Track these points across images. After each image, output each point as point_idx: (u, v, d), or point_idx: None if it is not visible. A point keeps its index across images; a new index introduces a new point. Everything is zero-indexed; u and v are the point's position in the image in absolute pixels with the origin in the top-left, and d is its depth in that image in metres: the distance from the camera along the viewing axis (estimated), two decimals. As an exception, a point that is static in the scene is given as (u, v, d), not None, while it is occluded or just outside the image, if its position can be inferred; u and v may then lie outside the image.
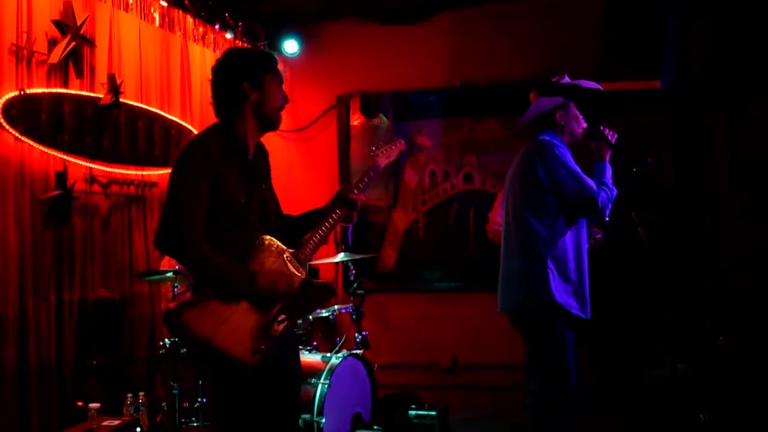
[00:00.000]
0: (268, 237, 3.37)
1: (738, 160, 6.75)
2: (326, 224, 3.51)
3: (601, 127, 4.31)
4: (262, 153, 3.62)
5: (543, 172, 4.16)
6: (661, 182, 6.87)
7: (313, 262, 6.59)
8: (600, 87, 4.34)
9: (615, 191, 4.21)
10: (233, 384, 3.29)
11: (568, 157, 4.17)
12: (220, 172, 3.29)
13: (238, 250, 3.29)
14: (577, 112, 4.34)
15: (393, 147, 3.82)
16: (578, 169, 4.15)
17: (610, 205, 4.16)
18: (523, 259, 4.24)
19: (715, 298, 6.60)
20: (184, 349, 5.06)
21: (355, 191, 3.60)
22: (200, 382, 5.12)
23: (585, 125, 4.35)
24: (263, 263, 3.31)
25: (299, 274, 3.37)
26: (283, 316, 3.30)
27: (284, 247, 3.39)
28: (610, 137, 4.30)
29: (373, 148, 3.79)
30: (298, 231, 3.55)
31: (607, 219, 4.22)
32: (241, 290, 3.23)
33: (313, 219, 3.57)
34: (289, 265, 3.36)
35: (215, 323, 3.18)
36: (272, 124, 3.53)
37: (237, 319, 3.22)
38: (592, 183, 4.13)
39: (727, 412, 5.52)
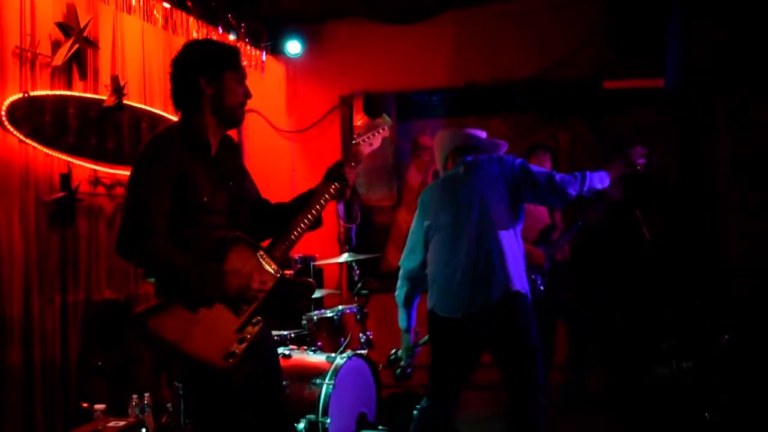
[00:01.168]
0: (239, 234, 3.24)
1: (739, 158, 6.75)
2: (319, 203, 3.37)
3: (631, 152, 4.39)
4: (229, 148, 3.48)
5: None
6: (663, 181, 6.88)
7: (318, 263, 6.60)
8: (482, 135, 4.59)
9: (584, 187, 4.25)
10: (207, 389, 3.20)
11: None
12: (182, 169, 3.17)
13: (206, 249, 3.17)
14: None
15: (376, 133, 3.68)
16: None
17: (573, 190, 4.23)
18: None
19: (718, 296, 6.60)
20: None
21: (351, 166, 3.49)
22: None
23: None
24: (235, 262, 3.17)
25: (273, 273, 3.24)
26: (257, 318, 3.19)
27: (257, 245, 3.26)
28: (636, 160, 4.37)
29: (355, 136, 3.66)
30: (285, 220, 3.37)
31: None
32: (205, 291, 3.09)
33: (304, 201, 3.41)
34: (263, 263, 3.23)
35: (184, 327, 3.05)
36: (232, 120, 3.38)
37: (208, 321, 3.09)
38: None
39: (732, 410, 5.52)
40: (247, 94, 3.39)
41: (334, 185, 3.44)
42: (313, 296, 5.90)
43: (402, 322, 4.59)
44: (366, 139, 3.65)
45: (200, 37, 6.67)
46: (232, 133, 7.27)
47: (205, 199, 3.22)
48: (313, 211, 3.37)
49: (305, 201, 3.42)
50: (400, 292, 4.57)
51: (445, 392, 4.42)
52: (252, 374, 3.25)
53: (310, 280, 3.53)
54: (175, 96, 3.36)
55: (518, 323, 4.17)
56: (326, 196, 3.41)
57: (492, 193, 4.25)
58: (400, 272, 4.57)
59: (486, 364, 7.34)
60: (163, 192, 3.12)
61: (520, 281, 4.18)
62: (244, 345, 3.13)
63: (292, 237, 3.32)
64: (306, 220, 3.35)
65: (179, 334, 3.04)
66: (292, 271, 6.28)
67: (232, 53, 3.39)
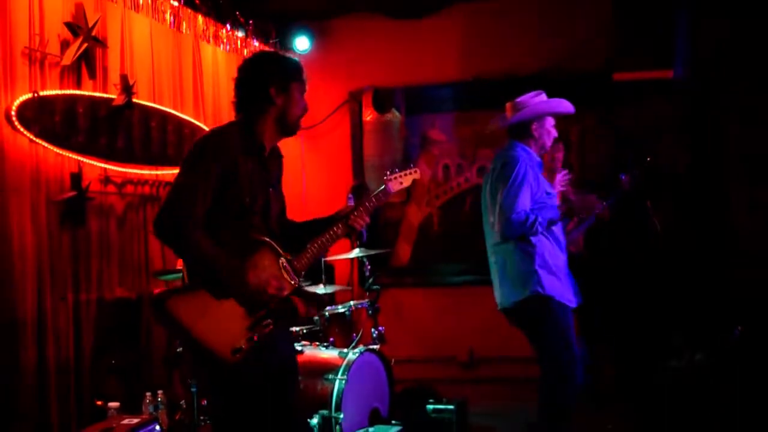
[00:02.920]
0: (267, 239, 3.37)
1: (749, 150, 6.71)
2: (326, 237, 3.50)
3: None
4: (276, 157, 3.63)
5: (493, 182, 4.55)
6: (673, 172, 6.85)
7: (329, 258, 6.60)
8: (572, 109, 4.64)
9: (535, 228, 4.39)
10: (216, 378, 3.31)
11: (523, 179, 4.42)
12: (235, 168, 3.30)
13: (234, 248, 3.28)
14: (551, 126, 4.64)
15: (408, 174, 3.79)
16: (520, 192, 4.39)
17: (515, 233, 4.41)
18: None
19: (729, 288, 6.57)
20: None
21: (360, 211, 3.57)
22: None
23: (554, 137, 4.70)
24: (258, 264, 3.30)
25: (292, 282, 3.38)
26: (267, 321, 3.30)
27: (282, 252, 3.39)
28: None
29: (388, 173, 3.76)
30: (297, 238, 3.53)
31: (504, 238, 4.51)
32: (228, 283, 3.22)
33: (313, 228, 3.57)
34: (283, 271, 3.37)
35: (199, 313, 3.18)
36: (291, 130, 3.54)
37: (222, 313, 3.22)
38: (519, 208, 4.36)
39: (745, 401, 5.50)
40: (306, 108, 3.54)
41: (340, 228, 3.55)
42: (325, 292, 5.93)
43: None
44: (397, 177, 3.76)
45: (209, 34, 6.69)
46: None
47: (247, 200, 3.34)
48: (324, 240, 3.50)
49: (318, 227, 3.56)
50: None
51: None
52: (266, 373, 3.34)
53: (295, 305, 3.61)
54: (241, 100, 3.49)
55: None
56: (332, 233, 3.53)
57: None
58: None
59: (503, 357, 7.40)
60: (209, 187, 3.24)
61: None
62: (251, 344, 3.25)
63: (313, 255, 3.48)
64: (320, 246, 3.49)
65: (194, 319, 3.17)
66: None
67: (299, 67, 3.54)
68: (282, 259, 3.39)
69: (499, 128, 4.83)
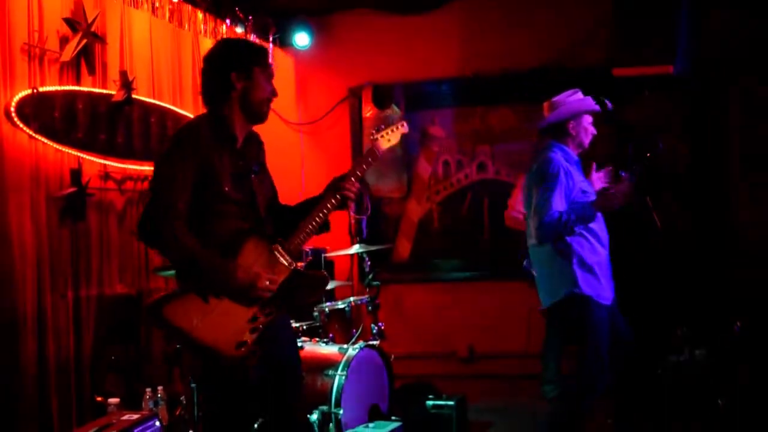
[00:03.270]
0: (255, 228, 3.35)
1: (751, 144, 6.71)
2: (320, 213, 3.45)
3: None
4: (254, 143, 3.59)
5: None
6: (674, 167, 6.85)
7: (329, 254, 6.61)
8: (609, 104, 4.57)
9: (569, 228, 4.35)
10: (221, 380, 3.28)
11: (556, 180, 4.39)
12: (208, 159, 3.28)
13: (223, 241, 3.27)
14: (588, 124, 4.63)
15: (395, 129, 3.72)
16: (554, 193, 4.36)
17: (550, 235, 4.38)
18: None
19: (730, 283, 6.57)
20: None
21: (352, 180, 3.52)
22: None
23: (592, 134, 4.66)
24: (247, 256, 3.27)
25: (287, 265, 3.34)
26: (269, 309, 3.29)
27: (273, 238, 3.36)
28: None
29: (374, 131, 3.69)
30: (293, 221, 3.49)
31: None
32: (217, 282, 3.19)
33: (308, 208, 3.51)
34: (277, 256, 3.33)
35: (197, 315, 3.16)
36: (258, 116, 3.49)
37: (221, 311, 3.20)
38: (553, 210, 4.31)
39: (745, 397, 5.50)
40: (274, 93, 3.51)
41: (334, 198, 3.50)
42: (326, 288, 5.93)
43: None
44: (385, 135, 3.69)
45: (208, 30, 6.68)
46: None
47: (226, 189, 3.31)
48: (319, 216, 3.45)
49: (312, 205, 3.51)
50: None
51: None
52: (268, 364, 3.33)
53: (323, 272, 3.61)
54: (206, 90, 3.50)
55: None
56: (328, 206, 3.48)
57: None
58: None
59: (503, 352, 7.40)
60: (188, 180, 3.23)
61: None
62: (255, 335, 3.24)
63: (306, 233, 3.42)
64: (314, 222, 3.44)
65: (192, 322, 3.15)
66: (303, 264, 6.28)
67: (262, 51, 3.52)
68: (274, 244, 3.35)
69: (540, 129, 4.81)
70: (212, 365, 3.25)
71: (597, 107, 4.59)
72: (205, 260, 3.18)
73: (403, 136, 3.79)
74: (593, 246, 4.47)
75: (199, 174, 3.25)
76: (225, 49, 3.51)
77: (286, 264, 3.34)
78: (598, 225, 4.53)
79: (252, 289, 3.22)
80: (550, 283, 4.55)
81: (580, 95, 4.65)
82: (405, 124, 3.76)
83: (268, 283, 3.25)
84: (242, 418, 3.36)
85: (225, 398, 3.31)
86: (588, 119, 4.65)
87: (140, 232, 3.27)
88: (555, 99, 4.71)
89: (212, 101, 3.47)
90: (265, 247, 3.33)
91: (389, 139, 3.69)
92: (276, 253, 3.33)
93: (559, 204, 4.35)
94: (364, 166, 3.59)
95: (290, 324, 3.76)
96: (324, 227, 3.52)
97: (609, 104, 4.56)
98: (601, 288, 4.45)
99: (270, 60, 3.55)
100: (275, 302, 3.30)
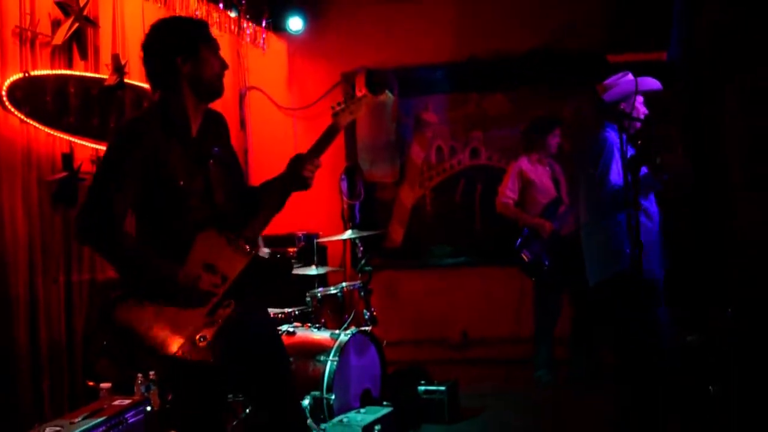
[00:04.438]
0: (211, 219, 3.22)
1: (747, 132, 6.70)
2: (281, 195, 3.36)
3: None
4: (214, 124, 3.42)
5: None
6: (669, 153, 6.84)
7: (321, 240, 6.60)
8: (658, 86, 4.68)
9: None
10: (183, 376, 3.18)
11: (608, 156, 4.51)
12: (156, 153, 3.13)
13: (178, 236, 3.15)
14: (640, 104, 4.70)
15: (357, 102, 3.53)
16: (609, 169, 4.48)
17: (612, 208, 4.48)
18: None
19: (725, 270, 6.59)
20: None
21: (313, 159, 3.40)
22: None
23: (644, 113, 4.72)
24: (202, 249, 3.15)
25: (246, 253, 3.21)
26: (228, 301, 3.14)
27: (232, 227, 3.23)
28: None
29: (335, 105, 3.54)
30: (257, 203, 3.36)
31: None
32: (156, 286, 3.06)
33: (270, 188, 3.40)
34: (235, 245, 3.20)
35: (152, 314, 3.03)
36: (213, 92, 3.32)
37: (176, 309, 3.06)
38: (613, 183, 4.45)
39: (737, 383, 5.52)
40: (224, 65, 3.35)
41: (295, 178, 3.39)
42: (317, 273, 5.92)
43: None
44: (346, 108, 3.53)
45: (201, 14, 6.63)
46: (235, 112, 7.26)
47: (181, 183, 3.19)
48: (280, 198, 3.37)
49: (273, 185, 3.41)
50: None
51: None
52: (240, 356, 3.23)
53: (287, 256, 3.48)
54: (152, 78, 3.30)
55: None
56: (289, 187, 3.39)
57: None
58: None
59: (495, 338, 7.42)
60: (129, 180, 3.08)
61: None
62: (214, 328, 3.08)
63: (265, 216, 3.33)
64: (275, 205, 3.36)
65: (147, 322, 3.03)
66: (295, 249, 6.27)
67: (202, 26, 3.36)
68: (230, 234, 3.21)
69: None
70: (173, 365, 3.10)
71: (647, 87, 4.66)
72: (144, 264, 3.07)
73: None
74: (643, 223, 4.49)
75: (146, 170, 3.10)
76: (164, 32, 3.28)
77: (245, 252, 3.21)
78: (649, 201, 4.60)
79: (193, 292, 3.09)
80: (598, 261, 4.63)
81: (630, 76, 4.69)
82: (369, 96, 3.55)
83: (210, 285, 3.12)
84: (213, 411, 3.27)
85: (192, 395, 3.21)
86: (640, 100, 4.71)
87: (77, 232, 3.11)
88: (606, 81, 4.77)
89: (160, 88, 3.28)
90: (221, 238, 3.20)
91: (351, 111, 3.52)
92: (232, 242, 3.21)
93: (616, 177, 4.44)
94: (325, 145, 3.46)
95: (265, 310, 3.65)
96: (280, 208, 3.40)
97: (658, 84, 4.66)
98: (650, 264, 4.45)
99: (211, 32, 3.36)
100: (235, 293, 3.16)
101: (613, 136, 4.57)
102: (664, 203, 4.80)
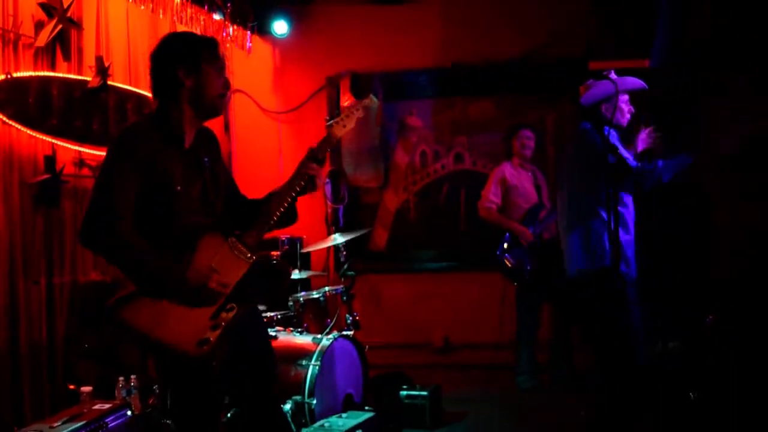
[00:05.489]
0: (212, 224, 3.29)
1: (730, 140, 6.73)
2: (283, 203, 3.42)
3: None
4: (205, 140, 3.48)
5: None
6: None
7: (306, 249, 6.60)
8: (644, 85, 4.67)
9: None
10: (186, 377, 3.22)
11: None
12: (155, 159, 3.19)
13: (180, 238, 3.19)
14: (623, 104, 4.68)
15: (351, 114, 3.71)
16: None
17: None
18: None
19: (705, 277, 6.61)
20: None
21: (311, 167, 3.49)
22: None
23: (629, 117, 4.72)
24: (206, 252, 3.20)
25: (247, 258, 3.28)
26: (231, 305, 3.21)
27: (231, 233, 3.29)
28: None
29: (328, 118, 3.71)
30: (256, 213, 3.44)
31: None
32: (166, 287, 3.11)
33: (269, 200, 3.46)
34: (236, 250, 3.27)
35: (157, 316, 3.08)
36: (212, 111, 3.39)
37: (181, 309, 3.12)
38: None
39: (717, 390, 5.55)
40: (227, 85, 3.41)
41: (300, 183, 3.48)
42: (300, 277, 5.92)
43: None
44: (339, 121, 3.69)
45: (186, 17, 6.62)
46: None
47: (179, 189, 3.23)
48: (284, 206, 3.43)
49: (277, 196, 3.47)
50: None
51: None
52: (235, 357, 3.29)
53: (285, 262, 3.56)
54: (154, 87, 3.37)
55: None
56: (292, 193, 3.45)
57: None
58: None
59: (478, 343, 7.43)
60: (130, 184, 3.13)
61: None
62: (218, 332, 3.15)
63: (266, 224, 3.39)
64: (276, 213, 3.41)
65: (152, 323, 3.08)
66: (278, 253, 6.28)
67: (211, 44, 3.40)
68: (231, 238, 3.29)
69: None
70: (176, 365, 3.18)
71: (628, 86, 4.65)
72: (153, 263, 3.11)
73: (360, 120, 3.81)
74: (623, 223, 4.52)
75: (145, 176, 3.15)
76: (171, 44, 3.36)
77: (246, 257, 3.28)
78: (627, 209, 4.60)
79: (203, 291, 3.14)
80: (579, 254, 4.61)
81: (613, 76, 4.65)
82: (361, 109, 3.75)
83: (218, 284, 3.17)
84: (212, 412, 3.33)
85: (192, 396, 3.25)
86: (623, 99, 4.69)
87: (82, 238, 3.14)
88: (589, 81, 4.74)
89: (161, 98, 3.35)
90: (223, 242, 3.27)
91: (344, 125, 3.69)
92: (234, 247, 3.28)
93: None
94: (321, 152, 3.56)
95: (259, 314, 3.71)
96: (291, 218, 3.50)
97: (642, 83, 4.65)
98: (627, 268, 4.51)
99: (220, 51, 3.42)
100: (236, 297, 3.23)
101: (594, 137, 4.57)
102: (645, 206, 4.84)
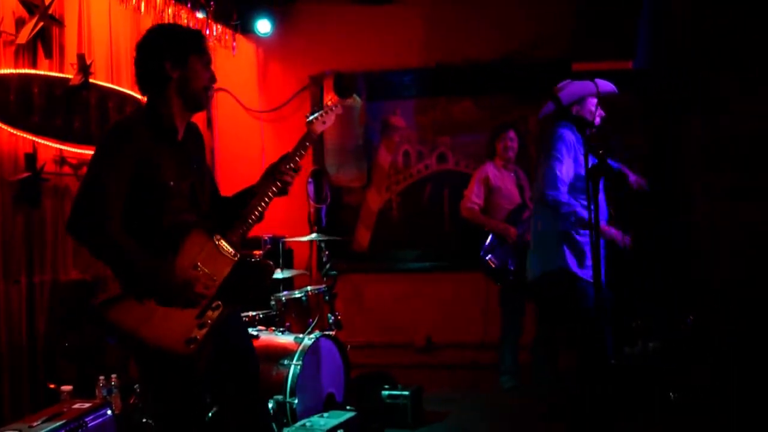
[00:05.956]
0: (198, 221, 3.28)
1: (711, 140, 6.76)
2: (262, 203, 3.42)
3: None
4: (194, 135, 3.48)
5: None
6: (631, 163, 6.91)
7: (287, 240, 6.59)
8: (610, 87, 4.76)
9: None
10: (170, 376, 3.21)
11: (564, 152, 4.59)
12: (147, 154, 3.17)
13: (167, 235, 3.18)
14: (593, 106, 4.74)
15: (329, 111, 3.74)
16: (560, 168, 4.55)
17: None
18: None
19: (686, 277, 6.65)
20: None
21: (290, 165, 3.50)
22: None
23: (600, 115, 4.77)
24: (192, 249, 3.20)
25: (231, 257, 3.29)
26: (217, 303, 3.23)
27: (214, 232, 3.29)
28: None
29: (308, 115, 3.71)
30: (233, 212, 3.43)
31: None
32: (152, 284, 3.09)
33: (246, 198, 3.47)
34: (221, 248, 3.27)
35: (143, 316, 3.07)
36: (198, 104, 3.38)
37: (167, 309, 3.11)
38: (561, 185, 4.55)
39: (697, 390, 5.59)
40: (212, 79, 3.39)
41: (273, 189, 3.48)
42: (283, 277, 5.91)
43: None
44: (319, 117, 3.71)
45: (168, 15, 6.59)
46: (202, 112, 7.19)
47: (171, 184, 3.23)
48: (259, 209, 3.43)
49: (250, 195, 3.48)
50: None
51: None
52: (217, 357, 3.29)
53: (269, 261, 3.56)
54: (141, 80, 3.35)
55: None
56: (266, 198, 3.46)
57: None
58: None
59: (460, 343, 7.43)
60: (120, 179, 3.11)
61: None
62: (204, 330, 3.17)
63: (248, 223, 3.39)
64: (257, 211, 3.42)
65: (139, 322, 3.07)
66: (261, 252, 6.26)
67: (197, 37, 3.39)
68: (216, 235, 3.28)
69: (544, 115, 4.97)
70: (162, 365, 3.17)
71: (604, 89, 4.70)
72: (141, 263, 3.09)
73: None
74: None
75: (137, 171, 3.14)
76: (157, 37, 3.34)
77: (230, 256, 3.29)
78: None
79: (188, 291, 3.13)
80: (541, 254, 4.73)
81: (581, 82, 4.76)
82: (339, 105, 3.81)
83: (203, 287, 3.17)
84: (195, 411, 3.31)
85: (176, 396, 3.24)
86: (593, 102, 4.75)
87: (70, 228, 3.11)
88: (560, 84, 4.80)
89: (149, 91, 3.33)
90: (208, 240, 3.26)
91: (323, 121, 3.72)
92: (219, 245, 3.28)
93: (565, 175, 4.55)
94: (302, 151, 3.57)
95: (239, 313, 3.71)
96: (260, 219, 3.48)
97: (612, 87, 4.73)
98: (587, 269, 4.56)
99: (207, 45, 3.42)
100: (222, 296, 3.25)
101: (569, 134, 4.64)
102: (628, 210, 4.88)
